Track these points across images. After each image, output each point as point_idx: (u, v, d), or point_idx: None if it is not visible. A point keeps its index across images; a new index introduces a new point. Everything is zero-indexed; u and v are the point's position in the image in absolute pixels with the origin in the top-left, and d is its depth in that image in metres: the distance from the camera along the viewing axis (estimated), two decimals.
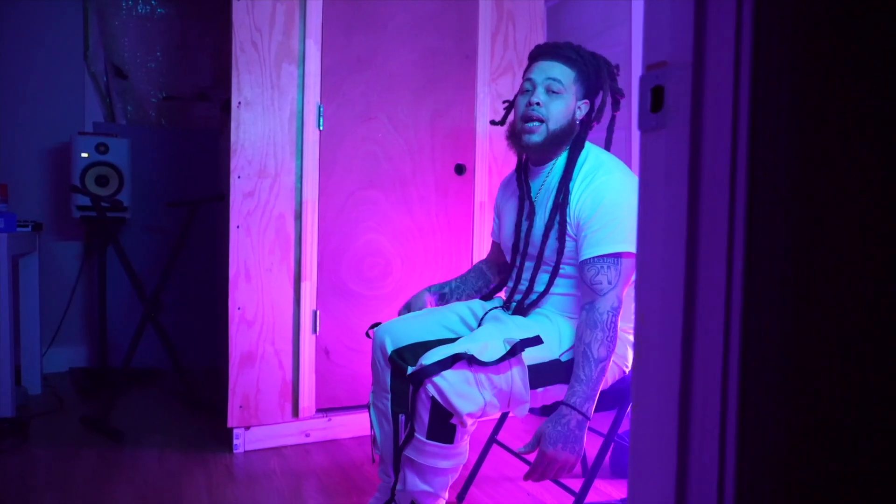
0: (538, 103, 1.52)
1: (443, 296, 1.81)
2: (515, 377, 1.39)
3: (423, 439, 1.37)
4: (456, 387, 1.33)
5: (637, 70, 2.55)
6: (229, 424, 2.18)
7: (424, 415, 1.36)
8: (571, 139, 1.57)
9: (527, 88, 1.57)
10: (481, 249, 2.53)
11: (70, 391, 2.94)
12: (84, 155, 2.93)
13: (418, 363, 1.39)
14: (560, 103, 1.53)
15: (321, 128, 2.26)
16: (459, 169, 2.50)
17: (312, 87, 2.24)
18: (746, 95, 0.54)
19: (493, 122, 1.80)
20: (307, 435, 2.30)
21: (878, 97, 0.51)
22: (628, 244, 1.42)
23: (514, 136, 1.60)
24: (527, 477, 1.41)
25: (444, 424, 1.36)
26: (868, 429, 0.52)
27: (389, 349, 1.62)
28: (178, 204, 2.70)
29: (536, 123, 1.53)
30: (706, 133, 0.57)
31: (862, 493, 0.54)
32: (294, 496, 1.90)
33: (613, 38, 2.67)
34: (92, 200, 2.50)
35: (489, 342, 1.40)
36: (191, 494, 1.89)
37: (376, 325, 1.71)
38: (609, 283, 1.41)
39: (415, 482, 1.40)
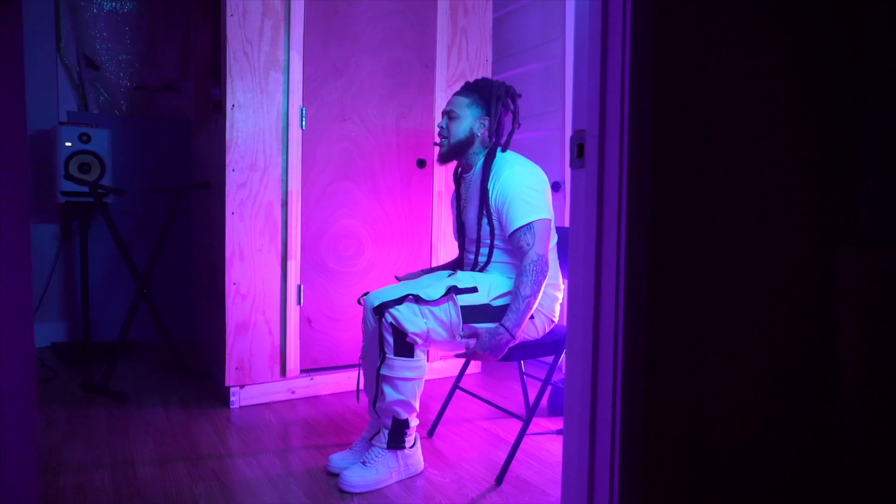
0: (442, 127, 2.10)
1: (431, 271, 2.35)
2: (451, 311, 1.92)
3: (392, 356, 1.88)
4: (406, 315, 1.87)
5: (569, 80, 3.01)
6: (227, 384, 2.54)
7: (389, 338, 1.88)
8: (474, 147, 2.09)
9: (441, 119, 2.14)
10: (439, 231, 2.96)
11: (56, 363, 3.19)
12: (68, 144, 3.15)
13: (380, 301, 1.89)
14: (456, 124, 2.07)
15: (304, 127, 2.62)
16: (420, 163, 2.90)
17: (296, 92, 2.58)
18: (626, 153, 0.99)
19: (435, 144, 2.27)
20: (293, 392, 2.69)
21: (694, 156, 0.97)
22: (535, 214, 1.95)
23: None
24: (459, 355, 1.96)
25: (404, 343, 1.88)
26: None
27: (375, 304, 2.05)
28: (161, 190, 2.97)
29: (443, 140, 2.09)
30: (606, 173, 1.01)
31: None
32: (288, 437, 2.29)
33: (548, 52, 3.12)
34: (90, 188, 2.76)
35: (433, 285, 1.96)
36: (204, 438, 2.26)
37: (366, 294, 2.12)
38: (528, 244, 1.94)
39: (391, 393, 1.89)
